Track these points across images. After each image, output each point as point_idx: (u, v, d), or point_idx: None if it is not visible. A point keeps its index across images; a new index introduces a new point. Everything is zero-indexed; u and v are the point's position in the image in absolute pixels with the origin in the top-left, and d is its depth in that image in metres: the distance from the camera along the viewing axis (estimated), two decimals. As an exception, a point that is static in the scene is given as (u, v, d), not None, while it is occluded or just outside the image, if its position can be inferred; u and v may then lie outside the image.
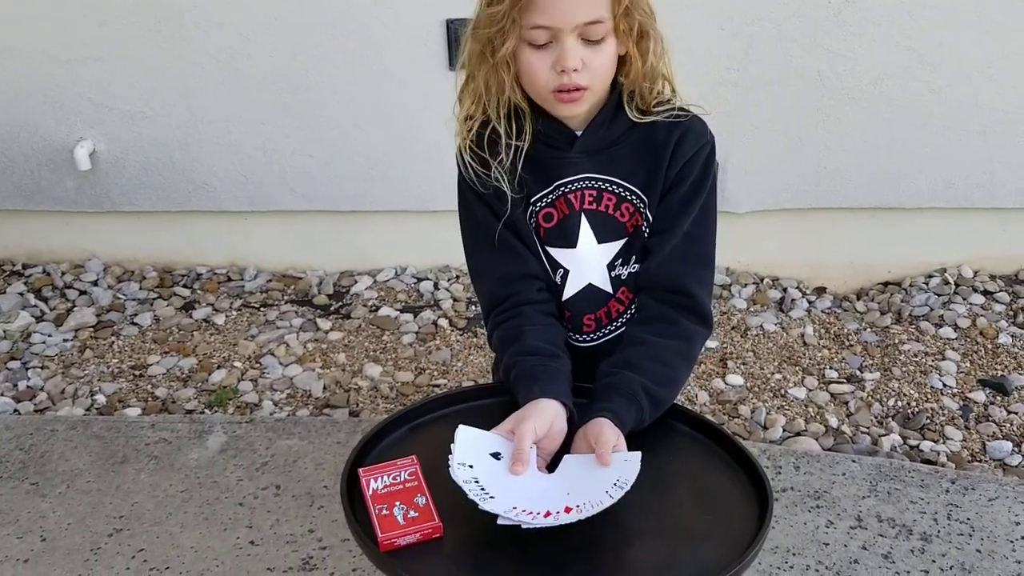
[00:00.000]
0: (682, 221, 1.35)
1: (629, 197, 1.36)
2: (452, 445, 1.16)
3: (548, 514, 1.09)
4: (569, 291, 1.41)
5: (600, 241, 1.38)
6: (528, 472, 1.16)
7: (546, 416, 1.22)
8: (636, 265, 1.40)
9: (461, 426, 1.19)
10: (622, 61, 1.29)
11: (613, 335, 1.44)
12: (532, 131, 1.33)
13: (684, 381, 1.36)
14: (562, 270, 1.40)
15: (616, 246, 1.38)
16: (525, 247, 1.39)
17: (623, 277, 1.40)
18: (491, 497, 1.10)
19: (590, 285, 1.40)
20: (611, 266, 1.40)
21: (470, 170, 1.36)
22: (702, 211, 1.36)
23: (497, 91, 1.30)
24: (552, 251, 1.39)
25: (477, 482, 1.12)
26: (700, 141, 1.34)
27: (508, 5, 1.20)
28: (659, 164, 1.34)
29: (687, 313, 1.34)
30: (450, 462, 1.13)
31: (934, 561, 1.88)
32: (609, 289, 1.41)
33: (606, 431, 1.19)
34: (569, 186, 1.36)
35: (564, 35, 1.22)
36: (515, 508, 1.09)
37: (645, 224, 1.37)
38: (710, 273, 1.40)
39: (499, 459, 1.17)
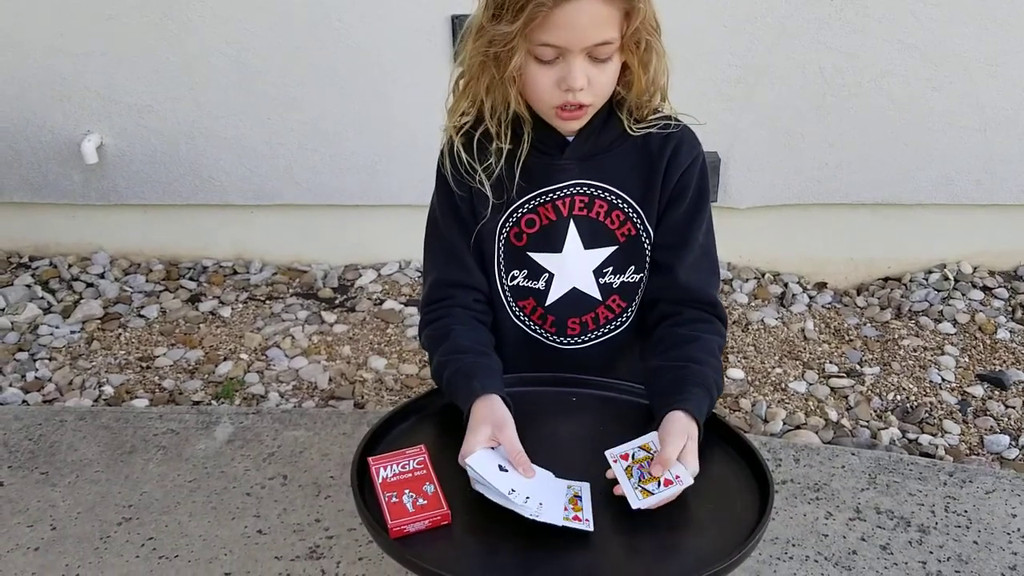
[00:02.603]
0: (695, 233, 1.37)
1: (621, 205, 1.37)
2: (475, 482, 1.17)
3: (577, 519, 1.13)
4: (554, 295, 1.42)
5: (587, 247, 1.39)
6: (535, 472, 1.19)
7: (506, 413, 1.25)
8: (635, 276, 1.41)
9: (468, 461, 1.18)
10: (623, 72, 1.29)
11: (600, 340, 1.46)
12: (531, 139, 1.33)
13: None
14: (547, 274, 1.41)
15: (604, 252, 1.39)
16: (476, 259, 1.40)
17: (615, 285, 1.41)
18: (540, 504, 1.13)
19: (575, 289, 1.41)
20: (599, 272, 1.40)
21: (455, 169, 1.36)
22: (707, 220, 1.39)
23: (501, 103, 1.30)
24: (535, 256, 1.40)
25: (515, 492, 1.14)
26: (693, 152, 1.36)
27: (520, 26, 1.18)
28: (654, 176, 1.35)
29: (715, 319, 1.38)
30: (479, 488, 1.16)
31: (931, 552, 1.91)
32: (597, 295, 1.42)
33: (686, 431, 1.21)
34: (558, 192, 1.36)
35: (572, 55, 1.21)
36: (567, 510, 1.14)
37: (645, 236, 1.38)
38: (720, 279, 1.43)
39: (507, 471, 1.18)
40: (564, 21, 1.18)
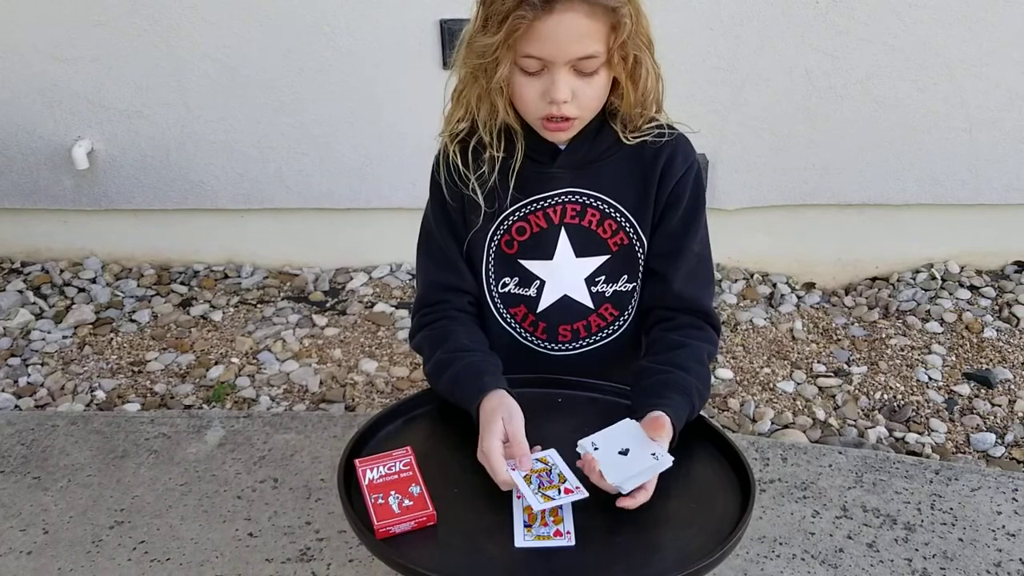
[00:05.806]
0: (690, 242, 1.38)
1: (614, 214, 1.38)
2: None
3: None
4: (545, 302, 1.43)
5: (579, 255, 1.40)
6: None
7: (515, 404, 1.26)
8: (628, 285, 1.42)
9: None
10: (615, 84, 1.29)
11: (592, 347, 1.47)
12: (524, 149, 1.34)
13: None
14: (538, 281, 1.42)
15: (596, 261, 1.40)
16: (467, 264, 1.42)
17: (607, 294, 1.42)
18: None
19: (566, 297, 1.43)
20: (592, 281, 1.41)
21: (448, 177, 1.37)
22: (703, 229, 1.40)
23: (490, 113, 1.31)
24: (526, 263, 1.41)
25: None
26: (688, 160, 1.37)
27: (502, 37, 1.19)
28: (648, 185, 1.36)
29: (707, 326, 1.39)
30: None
31: (917, 550, 1.92)
32: (589, 303, 1.43)
33: (667, 427, 1.21)
34: (549, 200, 1.37)
35: (556, 67, 1.21)
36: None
37: (639, 246, 1.39)
38: (715, 287, 1.44)
39: (627, 454, 1.20)
40: (546, 34, 1.19)
